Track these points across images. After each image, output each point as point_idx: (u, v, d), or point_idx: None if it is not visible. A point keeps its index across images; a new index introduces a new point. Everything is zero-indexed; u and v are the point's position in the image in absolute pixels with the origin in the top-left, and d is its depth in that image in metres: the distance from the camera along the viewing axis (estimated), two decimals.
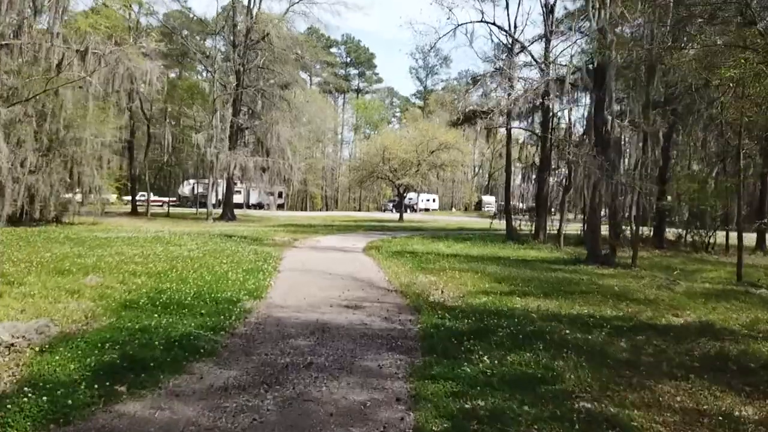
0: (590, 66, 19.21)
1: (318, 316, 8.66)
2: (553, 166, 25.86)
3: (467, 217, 69.24)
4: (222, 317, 7.91)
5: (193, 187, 59.29)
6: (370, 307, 9.57)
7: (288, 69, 39.93)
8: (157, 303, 8.47)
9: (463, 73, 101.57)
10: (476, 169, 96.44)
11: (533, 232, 26.02)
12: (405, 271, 14.32)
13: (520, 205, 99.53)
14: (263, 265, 13.77)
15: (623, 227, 20.76)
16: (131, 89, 35.44)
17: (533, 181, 28.38)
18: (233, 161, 34.55)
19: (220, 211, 40.12)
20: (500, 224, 31.74)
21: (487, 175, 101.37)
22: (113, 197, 62.13)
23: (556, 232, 25.67)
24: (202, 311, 8.15)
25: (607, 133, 17.37)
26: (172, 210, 49.09)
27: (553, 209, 31.35)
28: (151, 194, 68.41)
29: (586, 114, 23.69)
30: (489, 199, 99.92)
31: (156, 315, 7.73)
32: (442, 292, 11.23)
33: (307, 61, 48.60)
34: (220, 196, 62.82)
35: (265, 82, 39.31)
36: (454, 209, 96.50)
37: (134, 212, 40.44)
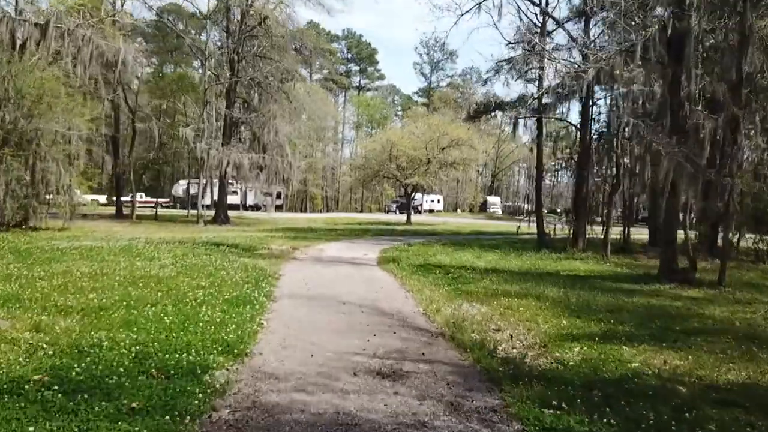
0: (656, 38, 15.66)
1: (338, 400, 5.13)
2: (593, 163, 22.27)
3: (476, 218, 65.76)
4: (169, 417, 4.39)
5: (187, 188, 55.79)
6: (416, 374, 6.04)
7: (287, 58, 36.37)
8: (62, 385, 4.94)
9: (467, 70, 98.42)
10: (481, 169, 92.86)
11: (571, 237, 22.49)
12: (442, 297, 10.83)
13: (525, 206, 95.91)
14: (253, 291, 10.25)
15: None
16: (108, 75, 32.19)
17: (571, 179, 24.70)
18: (226, 158, 31.00)
19: (214, 213, 36.66)
20: (513, 226, 28.21)
21: (490, 175, 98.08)
22: (88, 198, 58.72)
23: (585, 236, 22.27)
24: (135, 403, 4.61)
25: (684, 119, 13.89)
26: (162, 212, 45.55)
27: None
28: (142, 195, 65.28)
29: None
30: (494, 200, 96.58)
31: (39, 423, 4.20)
32: (511, 337, 7.72)
33: (307, 51, 45.07)
34: (215, 197, 59.78)
35: (262, 72, 35.74)
36: (459, 210, 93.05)
37: (119, 214, 36.88)
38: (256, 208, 61.29)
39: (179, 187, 61.20)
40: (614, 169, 20.53)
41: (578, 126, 22.93)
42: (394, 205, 78.82)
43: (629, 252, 22.09)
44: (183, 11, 52.60)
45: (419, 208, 74.94)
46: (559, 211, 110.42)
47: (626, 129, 19.09)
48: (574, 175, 23.27)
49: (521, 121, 24.89)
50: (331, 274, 13.55)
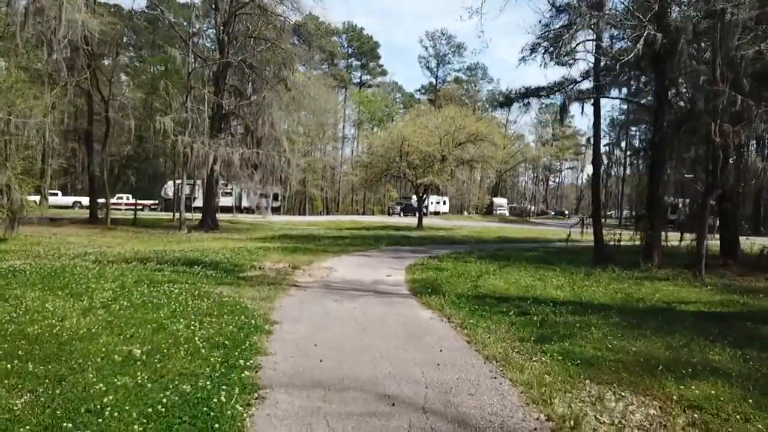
0: None
1: None
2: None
3: (488, 221, 61.17)
4: None
5: (175, 189, 51.11)
6: None
7: (284, 40, 31.64)
8: None
9: (473, 65, 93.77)
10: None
11: (645, 249, 17.80)
12: (553, 374, 6.18)
13: (532, 207, 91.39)
14: (221, 372, 5.60)
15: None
16: (76, 59, 27.47)
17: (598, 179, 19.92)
18: (212, 153, 26.26)
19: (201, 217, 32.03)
20: (535, 230, 23.64)
21: (495, 175, 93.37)
22: (68, 200, 53.65)
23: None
24: None
25: None
26: (146, 216, 40.88)
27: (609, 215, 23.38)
28: (128, 196, 60.41)
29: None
30: (501, 201, 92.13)
31: None
32: None
33: (304, 41, 40.26)
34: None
35: (255, 55, 31.04)
36: (465, 212, 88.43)
37: (93, 219, 32.10)
38: (251, 210, 56.55)
39: (168, 188, 56.38)
40: (710, 163, 15.82)
41: (655, 107, 18.22)
42: (399, 207, 74.34)
43: (712, 268, 17.45)
44: (174, 3, 48.08)
45: (424, 210, 70.29)
46: (566, 212, 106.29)
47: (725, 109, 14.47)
48: (646, 170, 18.54)
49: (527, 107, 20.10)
50: (353, 320, 8.84)
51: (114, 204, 56.49)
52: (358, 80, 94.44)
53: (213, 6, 31.05)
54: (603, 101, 25.41)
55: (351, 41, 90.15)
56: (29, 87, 19.41)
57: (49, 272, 11.29)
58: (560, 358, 6.81)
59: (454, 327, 8.54)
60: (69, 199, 54.08)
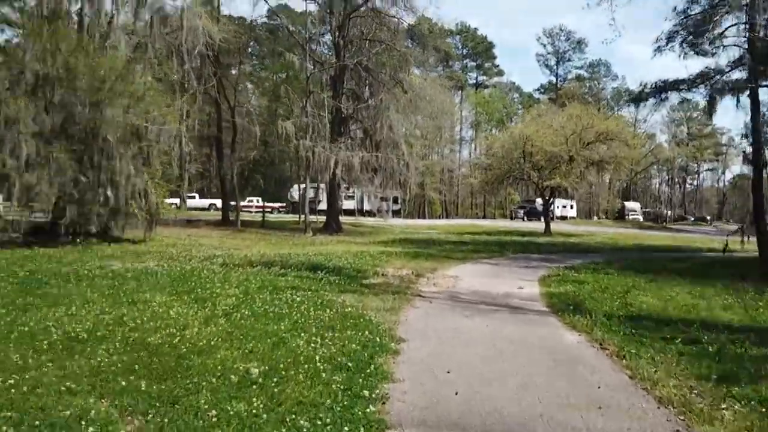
0: None
1: None
2: None
3: (621, 227, 56.87)
4: None
5: (301, 192, 52.82)
6: None
7: (399, 41, 31.18)
8: None
9: (595, 62, 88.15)
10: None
11: None
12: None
13: (668, 212, 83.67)
14: (344, 401, 4.85)
15: None
16: (203, 68, 28.84)
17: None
18: (333, 157, 26.35)
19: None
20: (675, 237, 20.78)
21: (626, 178, 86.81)
22: (205, 202, 56.90)
23: None
24: None
25: None
26: (274, 218, 42.42)
27: None
28: (258, 199, 63.49)
29: None
30: (633, 206, 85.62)
31: None
32: None
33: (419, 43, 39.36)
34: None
35: (371, 57, 30.86)
36: (595, 217, 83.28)
37: (225, 221, 33.72)
38: (372, 213, 57.06)
39: (295, 192, 58.46)
40: None
41: None
42: (521, 211, 71.52)
43: None
44: (292, 12, 49.71)
45: (550, 214, 67.02)
46: (708, 218, 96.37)
47: None
48: None
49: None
50: (487, 340, 7.80)
51: (245, 206, 59.70)
52: (474, 81, 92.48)
53: (328, 11, 31.35)
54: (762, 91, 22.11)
55: (465, 42, 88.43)
56: (161, 94, 20.33)
57: (179, 275, 11.40)
58: (763, 409, 5.32)
59: (608, 355, 7.21)
60: (205, 202, 57.64)
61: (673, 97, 25.93)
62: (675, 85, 22.23)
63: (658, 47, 21.08)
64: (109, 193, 16.94)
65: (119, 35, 21.41)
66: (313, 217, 37.10)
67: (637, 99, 24.22)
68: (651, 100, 24.95)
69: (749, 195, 24.14)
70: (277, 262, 14.56)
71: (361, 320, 8.17)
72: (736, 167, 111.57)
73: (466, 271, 15.51)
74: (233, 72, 35.84)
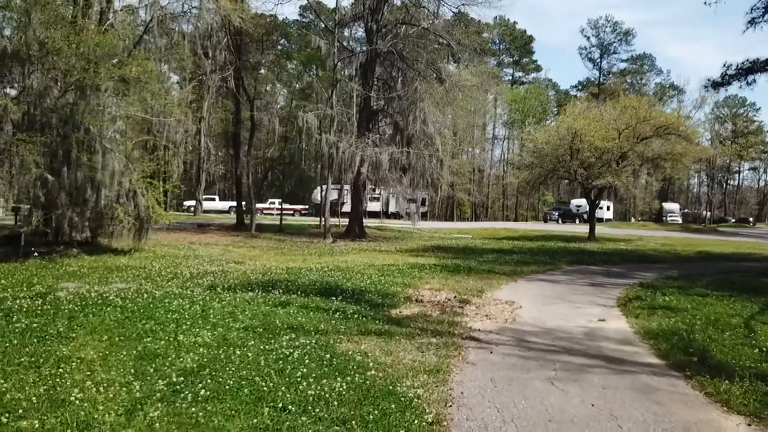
0: None
1: None
2: None
3: (669, 231, 52.60)
4: None
5: (323, 194, 49.98)
6: None
7: (436, 26, 27.93)
8: None
9: (642, 55, 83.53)
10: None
11: None
12: None
13: (707, 213, 78.40)
14: None
15: None
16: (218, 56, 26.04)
17: None
18: (359, 154, 23.24)
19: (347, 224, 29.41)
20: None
21: (662, 178, 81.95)
22: (225, 204, 54.36)
23: None
24: None
25: None
26: (292, 221, 39.61)
27: None
28: (279, 201, 60.76)
29: None
30: (672, 207, 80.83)
31: None
32: None
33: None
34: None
35: (407, 44, 27.68)
36: (632, 219, 78.71)
37: (240, 225, 30.93)
38: (398, 216, 53.83)
39: (318, 193, 55.67)
40: None
41: None
42: (556, 213, 67.59)
43: None
44: (323, 7, 46.89)
45: (584, 216, 63.04)
46: (751, 220, 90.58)
47: None
48: None
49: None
50: None
51: (266, 209, 57.21)
52: (510, 77, 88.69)
53: None
54: None
55: (503, 36, 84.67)
56: (164, 82, 17.48)
57: (140, 307, 8.37)
58: None
59: None
60: (225, 204, 55.17)
61: (762, 81, 22.15)
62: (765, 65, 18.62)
63: (752, 19, 17.50)
64: (88, 195, 14.10)
65: (115, 11, 18.64)
66: (335, 221, 34.18)
67: (719, 83, 20.60)
68: (735, 84, 21.34)
69: None
70: (282, 281, 11.49)
71: (391, 403, 5.00)
72: None
73: (521, 293, 12.23)
74: (256, 62, 33.05)
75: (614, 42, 77.16)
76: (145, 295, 9.25)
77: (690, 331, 8.69)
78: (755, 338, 8.34)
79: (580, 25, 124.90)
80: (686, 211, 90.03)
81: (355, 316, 8.56)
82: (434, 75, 28.27)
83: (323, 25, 37.38)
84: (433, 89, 27.94)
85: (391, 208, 56.06)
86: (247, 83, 29.59)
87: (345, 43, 29.07)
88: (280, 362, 6.02)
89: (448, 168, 33.53)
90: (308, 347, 6.64)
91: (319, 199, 53.37)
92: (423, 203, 63.88)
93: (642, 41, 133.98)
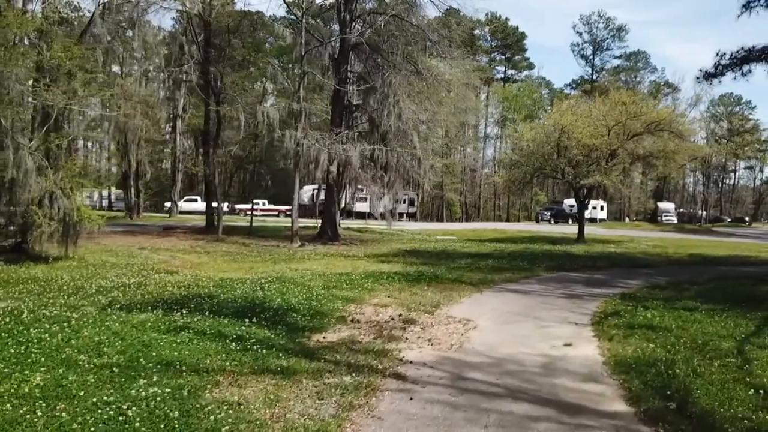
0: None
1: None
2: None
3: (663, 231, 51.16)
4: None
5: (313, 194, 48.36)
6: None
7: (414, 14, 26.30)
8: None
9: (635, 52, 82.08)
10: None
11: None
12: None
13: (703, 213, 76.92)
14: None
15: None
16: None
17: None
18: (325, 151, 21.60)
19: (346, 223, 27.75)
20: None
21: (656, 177, 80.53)
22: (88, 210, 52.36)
23: None
24: None
25: None
26: (272, 222, 38.01)
27: None
28: (265, 202, 59.12)
29: None
30: (667, 206, 79.38)
31: None
32: None
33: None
34: (349, 203, 51.24)
35: (382, 35, 26.09)
36: (627, 219, 77.29)
37: (209, 228, 29.26)
38: (381, 216, 52.11)
39: (304, 194, 54.00)
40: None
41: None
42: (548, 213, 66.01)
43: None
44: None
45: (576, 216, 61.51)
46: (746, 219, 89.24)
47: None
48: None
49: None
50: None
51: (249, 210, 55.53)
52: (502, 75, 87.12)
53: None
54: None
55: (495, 33, 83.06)
56: (83, 66, 15.71)
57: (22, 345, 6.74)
58: None
59: None
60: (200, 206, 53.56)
61: (759, 71, 20.59)
62: (764, 52, 17.05)
63: (748, 2, 15.93)
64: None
65: None
66: (313, 222, 32.61)
67: (712, 74, 19.00)
68: (729, 74, 19.75)
69: None
70: (202, 297, 9.87)
71: None
72: None
73: (483, 308, 10.63)
74: (226, 56, 31.39)
75: (607, 38, 75.68)
76: (8, 319, 7.61)
77: (671, 361, 7.10)
78: (750, 371, 6.77)
79: (572, 22, 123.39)
80: (682, 210, 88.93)
81: (258, 346, 6.93)
82: (412, 68, 26.66)
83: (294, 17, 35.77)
84: (410, 83, 26.29)
85: (380, 209, 54.43)
86: (230, 79, 27.81)
87: (319, 37, 27.39)
88: (104, 424, 4.41)
89: (430, 167, 31.86)
90: (162, 397, 5.04)
91: (306, 199, 51.83)
92: (412, 203, 62.41)
93: (638, 41, 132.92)
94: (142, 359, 6.18)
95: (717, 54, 19.71)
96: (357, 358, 6.85)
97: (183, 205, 50.33)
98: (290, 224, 33.79)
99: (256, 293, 10.44)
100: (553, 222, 62.30)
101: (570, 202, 64.98)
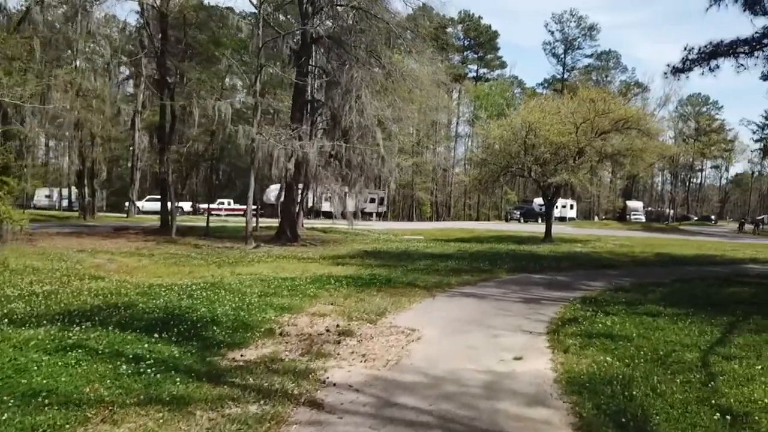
0: None
1: None
2: None
3: (631, 229, 51.26)
4: None
5: (280, 193, 47.03)
6: None
7: (379, 6, 25.35)
8: None
9: (607, 52, 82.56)
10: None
11: None
12: None
13: (670, 211, 77.75)
14: None
15: None
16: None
17: None
18: (280, 147, 20.55)
19: (307, 222, 26.64)
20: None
21: (626, 176, 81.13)
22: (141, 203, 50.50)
23: None
24: None
25: None
26: (234, 222, 36.74)
27: None
28: (230, 202, 57.60)
29: None
30: (636, 205, 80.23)
31: None
32: None
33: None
34: (317, 203, 49.94)
35: (345, 28, 25.16)
36: (596, 218, 77.61)
37: (164, 228, 27.94)
38: (356, 216, 51.01)
39: (271, 193, 52.63)
40: None
41: None
42: (518, 212, 65.96)
43: None
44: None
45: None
46: (713, 218, 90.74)
47: None
48: None
49: None
50: None
51: (215, 210, 53.98)
52: (475, 74, 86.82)
53: None
54: None
55: (467, 32, 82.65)
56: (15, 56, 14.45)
57: None
58: None
59: None
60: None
61: (729, 66, 20.15)
62: (732, 47, 16.59)
63: None
64: None
65: None
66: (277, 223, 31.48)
67: (680, 69, 18.53)
68: (697, 69, 19.30)
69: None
70: (119, 307, 8.83)
71: None
72: (740, 165, 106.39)
73: (433, 315, 9.79)
74: (181, 49, 30.08)
75: (578, 37, 75.90)
76: None
77: (629, 378, 6.33)
78: (716, 389, 6.03)
79: (544, 20, 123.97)
80: (650, 209, 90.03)
81: (156, 368, 5.93)
82: (376, 63, 25.78)
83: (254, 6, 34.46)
84: (374, 78, 25.39)
85: (350, 207, 53.41)
86: (196, 75, 26.51)
87: (280, 29, 26.30)
88: None
89: (396, 165, 31.06)
90: None
91: (272, 198, 50.43)
92: (381, 202, 61.46)
93: (611, 42, 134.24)
94: (5, 388, 5.15)
95: (685, 48, 19.28)
96: (273, 380, 5.92)
97: (145, 204, 48.62)
98: (254, 224, 32.76)
99: (181, 302, 9.42)
100: (522, 221, 62.17)
101: (540, 201, 64.83)
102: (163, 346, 6.77)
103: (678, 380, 6.32)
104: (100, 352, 6.39)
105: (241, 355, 6.84)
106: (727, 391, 5.96)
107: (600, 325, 9.16)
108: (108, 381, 5.52)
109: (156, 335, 7.18)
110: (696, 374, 6.57)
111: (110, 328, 7.46)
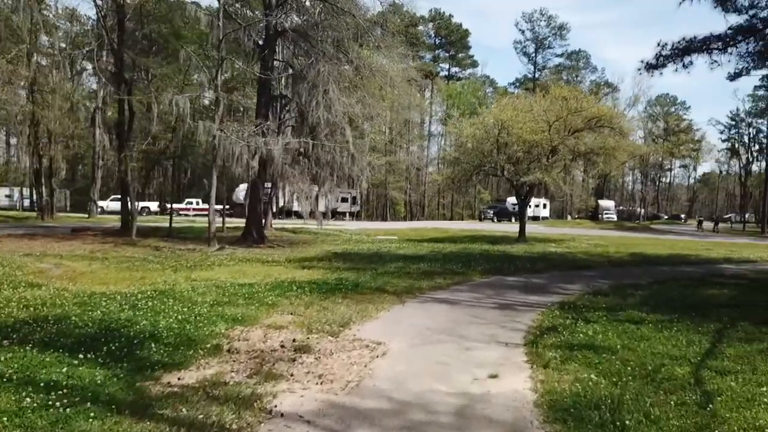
0: None
1: None
2: None
3: (603, 229, 51.36)
4: None
5: (246, 192, 45.71)
6: None
7: (349, 3, 24.47)
8: None
9: (577, 51, 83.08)
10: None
11: None
12: None
13: (641, 210, 78.71)
14: None
15: None
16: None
17: None
18: (242, 144, 19.53)
19: (278, 222, 25.56)
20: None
21: (598, 176, 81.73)
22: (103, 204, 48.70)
23: None
24: None
25: None
26: (202, 223, 35.50)
27: None
28: (198, 201, 55.99)
29: None
30: (608, 204, 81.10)
31: None
32: None
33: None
34: (287, 202, 48.69)
35: (311, 21, 24.23)
36: (569, 217, 77.97)
37: (124, 229, 26.62)
38: (334, 215, 49.96)
39: (240, 192, 51.26)
40: None
41: None
42: (491, 212, 65.87)
43: None
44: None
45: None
46: (682, 216, 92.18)
47: None
48: None
49: None
50: None
51: (183, 209, 52.38)
52: (446, 73, 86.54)
53: None
54: None
55: (438, 30, 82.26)
56: None
57: None
58: None
59: None
60: (138, 205, 50.09)
61: (700, 63, 19.87)
62: (705, 43, 16.19)
63: None
64: None
65: None
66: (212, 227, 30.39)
67: (653, 66, 18.09)
68: (670, 66, 18.90)
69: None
70: (38, 322, 7.80)
71: None
72: (707, 164, 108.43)
73: (401, 325, 9.00)
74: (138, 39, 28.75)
75: (549, 36, 76.12)
76: None
77: (618, 400, 5.62)
78: (714, 413, 5.36)
79: (515, 19, 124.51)
80: (621, 208, 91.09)
81: (69, 399, 5.01)
82: (344, 57, 24.92)
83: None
84: (342, 73, 24.50)
85: (320, 207, 52.46)
86: (160, 70, 25.22)
87: (243, 22, 25.23)
88: None
89: (368, 164, 30.18)
90: None
91: (242, 198, 49.05)
92: (354, 202, 60.51)
93: (581, 43, 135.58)
94: None
95: (658, 44, 18.87)
96: (209, 411, 5.04)
97: (109, 204, 46.93)
98: (220, 225, 31.57)
99: (122, 314, 8.44)
100: (496, 220, 62.05)
101: (513, 200, 64.76)
102: (86, 370, 5.83)
103: (672, 402, 5.64)
104: (6, 378, 5.43)
105: (179, 379, 5.93)
106: (728, 415, 5.30)
107: (581, 334, 8.48)
108: (5, 418, 4.58)
109: (81, 356, 6.24)
110: (690, 394, 5.90)
111: (29, 347, 6.49)
